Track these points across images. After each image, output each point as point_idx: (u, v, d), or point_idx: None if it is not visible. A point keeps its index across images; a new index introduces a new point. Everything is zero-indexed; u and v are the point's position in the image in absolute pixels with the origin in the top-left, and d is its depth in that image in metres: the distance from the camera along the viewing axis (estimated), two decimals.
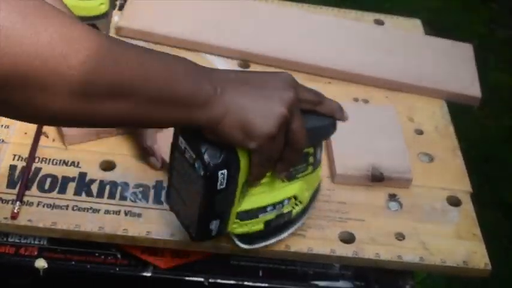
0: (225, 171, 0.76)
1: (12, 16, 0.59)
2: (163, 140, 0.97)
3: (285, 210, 0.86)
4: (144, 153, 0.98)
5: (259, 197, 0.83)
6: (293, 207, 0.87)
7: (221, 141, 0.75)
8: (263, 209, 0.84)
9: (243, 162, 0.78)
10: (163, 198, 0.92)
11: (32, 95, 0.62)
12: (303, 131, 0.78)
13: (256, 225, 0.85)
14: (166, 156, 0.92)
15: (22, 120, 0.70)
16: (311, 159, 0.85)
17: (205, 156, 0.76)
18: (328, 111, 0.82)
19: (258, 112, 0.74)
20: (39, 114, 0.66)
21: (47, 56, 0.61)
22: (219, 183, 0.77)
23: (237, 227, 0.84)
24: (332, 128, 0.84)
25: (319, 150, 0.86)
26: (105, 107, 0.67)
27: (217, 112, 0.73)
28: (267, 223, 0.85)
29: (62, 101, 0.64)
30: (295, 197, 0.86)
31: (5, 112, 0.66)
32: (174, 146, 0.80)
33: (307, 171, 0.86)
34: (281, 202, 0.85)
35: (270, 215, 0.85)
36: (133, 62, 0.68)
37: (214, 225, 0.81)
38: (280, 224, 0.87)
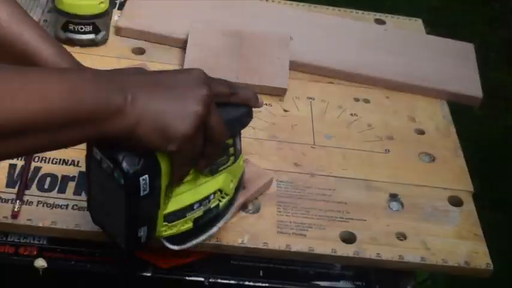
0: (146, 176, 0.74)
1: None
2: None
3: (212, 204, 0.85)
4: None
5: (185, 196, 0.82)
6: (219, 201, 0.86)
7: (138, 149, 0.73)
8: (190, 208, 0.83)
9: (164, 165, 0.76)
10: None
11: None
12: (221, 125, 0.77)
13: (185, 224, 0.83)
14: None
15: None
16: (231, 150, 0.84)
17: (124, 165, 0.73)
18: (243, 100, 0.82)
19: (173, 114, 0.72)
20: None
21: None
22: (142, 190, 0.75)
23: (166, 230, 0.82)
24: (248, 117, 0.83)
25: (239, 140, 0.85)
26: (8, 146, 0.64)
27: (130, 120, 0.70)
28: (196, 221, 0.84)
29: None
30: (220, 190, 0.85)
31: None
32: (89, 157, 0.78)
33: (229, 162, 0.85)
34: (207, 198, 0.84)
35: (197, 212, 0.84)
36: (33, 94, 0.64)
37: (142, 232, 0.79)
38: (208, 219, 0.85)
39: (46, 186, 0.94)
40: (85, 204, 0.91)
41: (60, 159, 0.97)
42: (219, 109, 0.77)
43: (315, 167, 1.02)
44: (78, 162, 0.97)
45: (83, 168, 0.95)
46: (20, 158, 0.96)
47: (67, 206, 0.92)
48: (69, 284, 0.90)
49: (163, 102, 0.72)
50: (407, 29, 1.33)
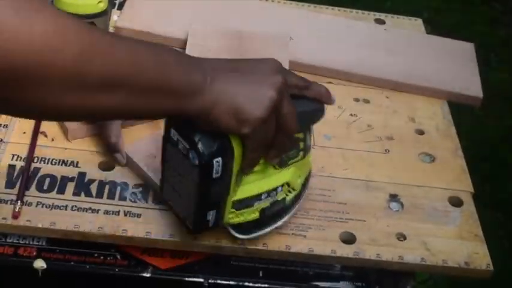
0: (219, 159, 0.77)
1: (4, 10, 0.58)
2: (127, 137, 0.98)
3: (279, 197, 0.87)
4: (109, 150, 0.98)
5: (253, 185, 0.84)
6: (286, 194, 0.87)
7: (214, 130, 0.76)
8: (258, 197, 0.85)
9: (237, 150, 0.78)
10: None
11: (27, 90, 0.62)
12: (293, 115, 0.79)
13: (251, 214, 0.85)
14: (130, 152, 0.96)
15: (19, 116, 0.69)
16: (301, 145, 0.86)
17: (200, 145, 0.76)
18: (316, 95, 0.83)
19: (249, 97, 0.75)
20: (35, 109, 0.66)
21: (42, 49, 0.60)
22: (214, 172, 0.78)
23: (233, 217, 0.84)
24: (321, 112, 0.85)
25: (309, 136, 0.87)
26: (99, 99, 0.67)
27: (209, 100, 0.74)
28: (262, 211, 0.86)
29: (58, 95, 0.64)
30: (288, 184, 0.87)
31: (1, 108, 0.66)
32: (166, 139, 0.81)
33: (298, 157, 0.86)
34: (275, 189, 0.86)
35: (264, 203, 0.85)
36: (125, 53, 0.68)
37: (211, 215, 0.81)
38: (274, 211, 0.87)
39: (45, 187, 0.93)
40: (84, 204, 0.92)
41: (59, 160, 0.97)
42: (293, 101, 0.79)
43: (314, 168, 1.02)
44: (77, 163, 0.97)
45: (82, 169, 0.96)
46: (19, 159, 0.96)
47: (66, 206, 0.91)
48: (69, 285, 0.90)
49: (240, 86, 0.75)
50: (407, 29, 1.32)
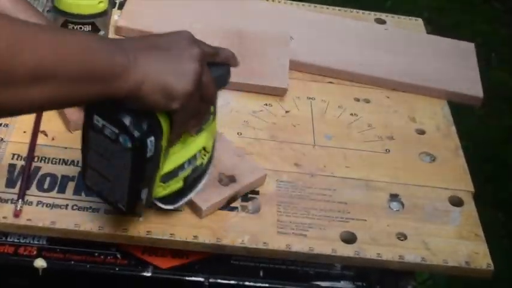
0: (152, 138, 0.78)
1: None
2: None
3: (198, 162, 0.88)
4: (71, 128, 0.99)
5: (177, 156, 0.86)
6: (202, 158, 0.89)
7: (143, 109, 0.76)
8: (181, 167, 0.86)
9: (165, 126, 0.79)
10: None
11: None
12: (213, 83, 0.81)
13: (176, 184, 0.87)
14: None
15: None
16: (212, 109, 0.87)
17: (131, 128, 0.77)
18: (224, 59, 0.86)
19: (174, 73, 0.76)
20: None
21: None
22: (148, 152, 0.78)
23: (161, 190, 0.86)
24: (229, 75, 0.87)
25: (216, 99, 0.88)
26: (31, 93, 0.67)
27: (136, 80, 0.74)
28: (185, 179, 0.88)
29: None
30: (204, 148, 0.89)
31: None
32: (88, 126, 0.80)
33: (210, 120, 0.88)
34: (194, 156, 0.88)
35: (187, 171, 0.87)
36: (50, 44, 0.68)
37: (144, 193, 0.82)
38: (195, 177, 0.89)
39: (46, 186, 0.93)
40: (85, 204, 0.92)
41: (59, 159, 0.97)
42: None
43: (315, 167, 1.02)
44: (77, 162, 0.97)
45: None
46: (19, 158, 0.96)
47: (67, 206, 0.91)
48: (69, 284, 0.90)
49: (163, 62, 0.76)
50: (407, 29, 1.32)
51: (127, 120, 0.77)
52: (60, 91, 0.70)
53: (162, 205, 0.88)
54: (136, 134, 0.77)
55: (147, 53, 0.76)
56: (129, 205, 0.83)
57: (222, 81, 0.86)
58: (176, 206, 0.89)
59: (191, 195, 0.90)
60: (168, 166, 0.85)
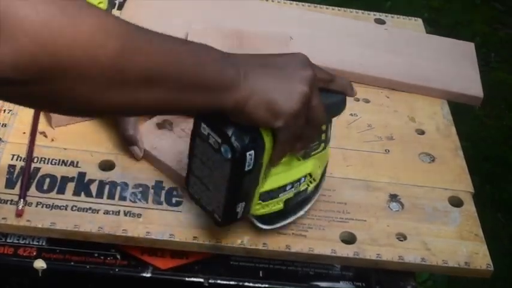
0: (252, 152, 0.79)
1: (51, 9, 0.61)
2: (145, 130, 0.99)
3: (302, 188, 0.89)
4: (126, 143, 0.99)
5: (279, 176, 0.86)
6: (308, 185, 0.90)
7: (247, 124, 0.78)
8: (283, 188, 0.87)
9: (267, 143, 0.80)
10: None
11: (72, 86, 0.64)
12: (322, 108, 0.81)
13: (276, 205, 0.87)
14: (147, 146, 0.97)
15: (60, 113, 0.73)
16: (323, 137, 0.88)
17: (233, 139, 0.78)
18: (339, 88, 0.86)
19: (282, 91, 0.77)
20: (79, 105, 0.68)
21: (87, 45, 0.63)
22: (246, 165, 0.79)
23: (259, 208, 0.86)
24: (343, 104, 0.87)
25: (330, 128, 0.89)
26: (138, 96, 0.69)
27: (243, 94, 0.75)
28: (287, 202, 0.88)
29: (100, 90, 0.66)
30: (310, 175, 0.89)
31: (44, 104, 0.69)
32: (195, 133, 0.82)
33: (320, 148, 0.89)
34: (298, 180, 0.88)
35: (289, 194, 0.88)
36: (164, 48, 0.70)
37: (240, 207, 0.83)
38: (297, 202, 0.90)
39: (45, 187, 0.93)
40: (84, 204, 0.92)
41: (59, 160, 0.97)
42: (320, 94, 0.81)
43: None
44: (77, 163, 0.97)
45: (82, 169, 0.96)
46: (19, 159, 0.96)
47: (66, 207, 0.91)
48: (69, 285, 0.90)
49: (273, 81, 0.78)
50: (407, 29, 1.32)
51: (230, 131, 0.78)
52: (168, 97, 0.71)
53: (259, 224, 0.88)
54: (236, 145, 0.78)
55: (258, 69, 0.77)
56: (225, 216, 0.83)
57: (335, 109, 0.86)
58: (273, 227, 0.89)
59: (291, 219, 0.90)
60: (268, 185, 0.85)
